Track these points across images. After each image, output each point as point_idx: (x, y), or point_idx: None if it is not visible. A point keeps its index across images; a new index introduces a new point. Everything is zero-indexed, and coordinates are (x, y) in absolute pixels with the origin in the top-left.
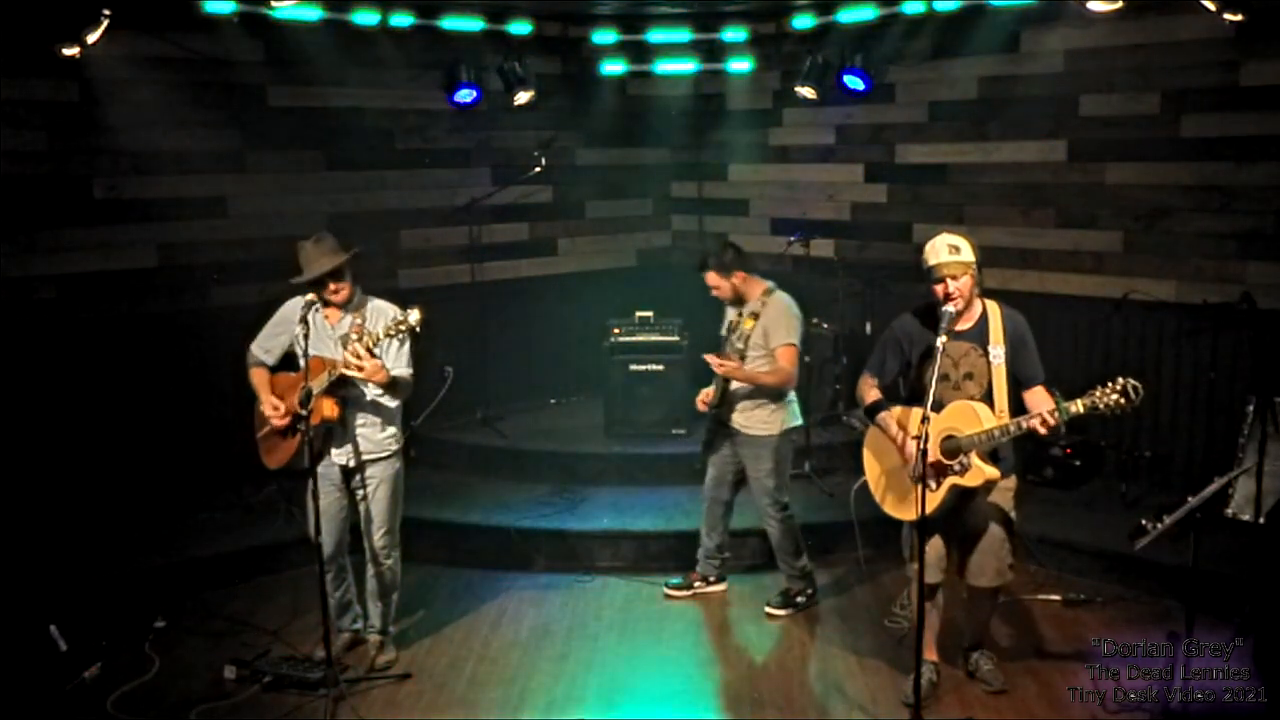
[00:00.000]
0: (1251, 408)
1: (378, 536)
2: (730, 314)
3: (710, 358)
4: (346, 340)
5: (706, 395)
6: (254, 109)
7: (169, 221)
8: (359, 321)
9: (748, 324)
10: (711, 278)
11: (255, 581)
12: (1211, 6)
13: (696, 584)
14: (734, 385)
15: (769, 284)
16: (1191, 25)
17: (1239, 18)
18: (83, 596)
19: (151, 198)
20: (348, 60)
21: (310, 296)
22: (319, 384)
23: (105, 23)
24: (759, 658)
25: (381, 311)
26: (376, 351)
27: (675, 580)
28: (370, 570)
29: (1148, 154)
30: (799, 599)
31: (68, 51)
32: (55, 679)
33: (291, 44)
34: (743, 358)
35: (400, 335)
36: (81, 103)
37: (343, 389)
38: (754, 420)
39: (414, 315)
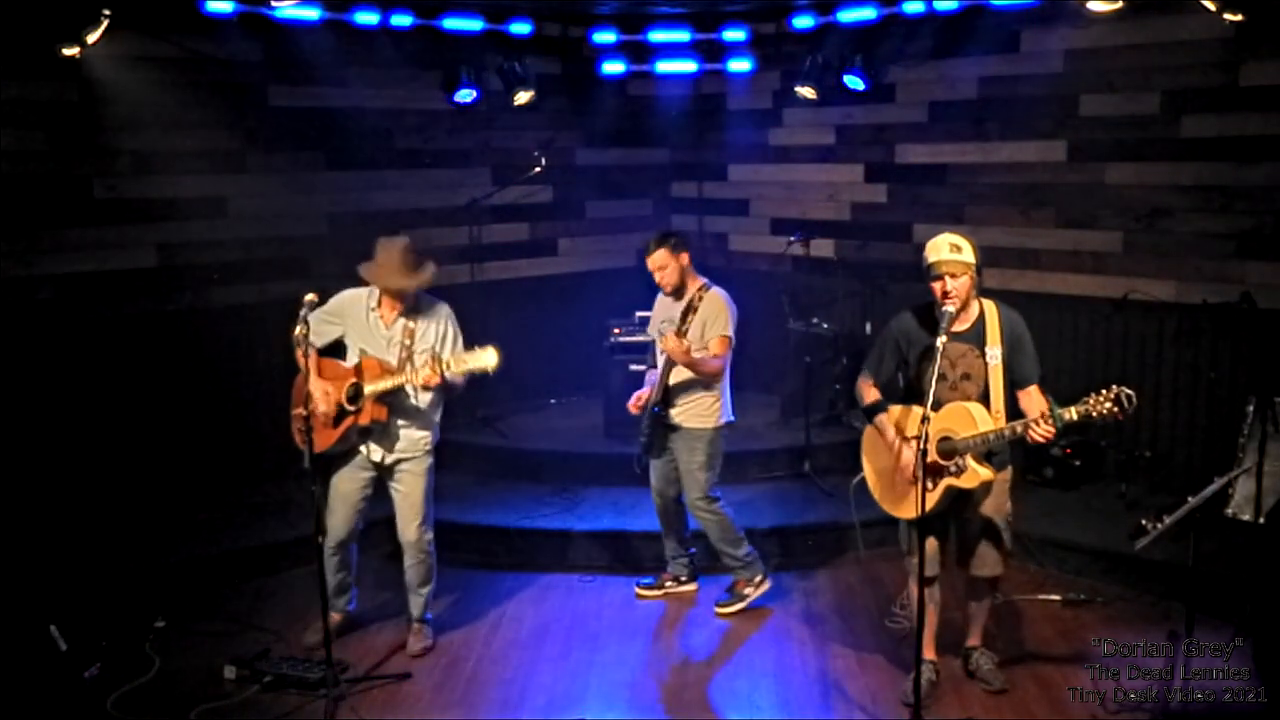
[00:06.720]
0: (1251, 408)
1: (414, 530)
2: (658, 308)
3: (665, 338)
4: (397, 344)
5: (641, 397)
6: (254, 109)
7: (169, 221)
8: (411, 326)
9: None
10: (662, 256)
11: (255, 581)
12: (1211, 6)
13: (668, 584)
14: (673, 380)
15: (705, 280)
16: (1191, 25)
17: (1239, 18)
18: (83, 596)
19: (151, 198)
20: (348, 60)
21: (311, 296)
22: (374, 389)
23: (105, 23)
24: (758, 658)
25: (435, 313)
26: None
27: (647, 580)
28: (408, 561)
29: (1148, 154)
30: (747, 590)
31: (68, 51)
32: (55, 679)
33: (291, 44)
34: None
35: (467, 370)
36: (81, 103)
37: (391, 396)
38: (692, 414)
39: (491, 360)
